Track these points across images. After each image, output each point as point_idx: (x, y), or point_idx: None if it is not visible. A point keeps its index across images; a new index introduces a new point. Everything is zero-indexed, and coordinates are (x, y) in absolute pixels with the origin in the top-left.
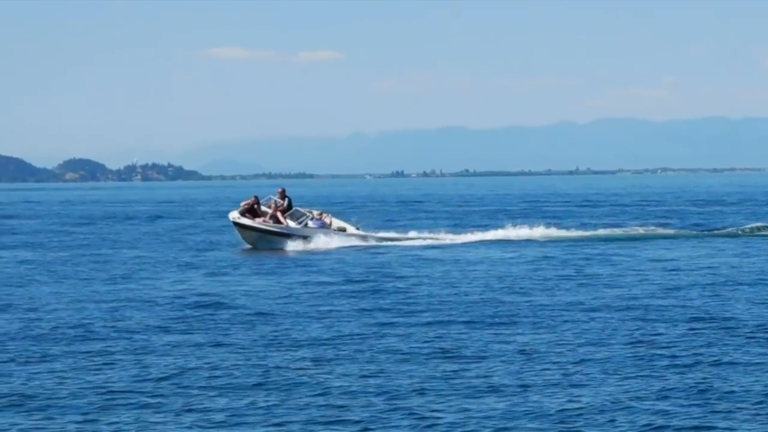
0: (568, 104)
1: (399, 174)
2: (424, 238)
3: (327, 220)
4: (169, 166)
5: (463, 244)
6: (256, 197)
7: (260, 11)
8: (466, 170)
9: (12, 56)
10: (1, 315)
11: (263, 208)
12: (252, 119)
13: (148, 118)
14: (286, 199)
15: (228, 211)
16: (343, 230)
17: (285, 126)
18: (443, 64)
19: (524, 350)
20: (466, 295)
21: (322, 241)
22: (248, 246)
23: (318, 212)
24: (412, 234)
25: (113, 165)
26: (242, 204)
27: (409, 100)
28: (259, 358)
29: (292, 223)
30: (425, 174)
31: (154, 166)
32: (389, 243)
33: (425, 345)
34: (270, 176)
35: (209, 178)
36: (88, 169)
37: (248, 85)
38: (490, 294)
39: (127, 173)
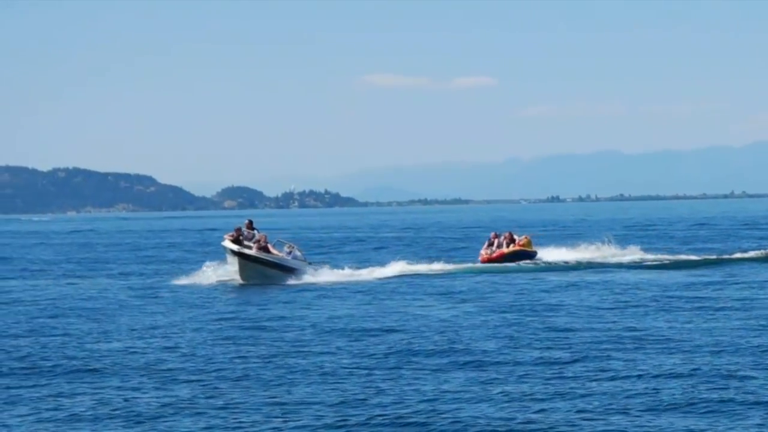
0: (723, 127)
1: (554, 199)
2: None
3: (298, 253)
4: (326, 192)
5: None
6: (239, 228)
7: (414, 38)
8: (621, 195)
9: (174, 89)
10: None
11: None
12: (407, 146)
13: (304, 145)
14: (256, 231)
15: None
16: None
17: (440, 152)
18: (596, 90)
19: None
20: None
21: (320, 275)
22: (237, 278)
23: (289, 245)
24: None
25: (271, 192)
26: (227, 235)
27: (562, 126)
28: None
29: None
30: (580, 198)
31: (312, 193)
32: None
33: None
34: (426, 202)
35: (366, 204)
36: (246, 197)
37: (403, 112)
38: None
39: (284, 200)
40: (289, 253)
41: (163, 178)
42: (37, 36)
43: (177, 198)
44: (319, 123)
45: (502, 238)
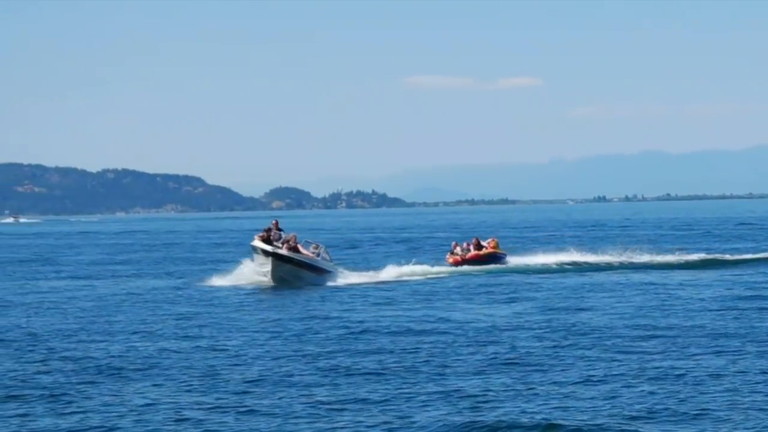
0: None
1: (601, 199)
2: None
3: (324, 253)
4: (373, 193)
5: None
6: (269, 229)
7: (460, 39)
8: (668, 194)
9: (224, 91)
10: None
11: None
12: (453, 146)
13: (351, 146)
14: (282, 231)
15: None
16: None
17: (485, 152)
18: (641, 90)
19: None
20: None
21: (348, 276)
22: (265, 280)
23: (315, 245)
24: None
25: (318, 193)
26: (257, 235)
27: (607, 126)
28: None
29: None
30: (627, 198)
31: (359, 193)
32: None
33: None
34: (473, 202)
35: (412, 204)
36: (294, 197)
37: (449, 113)
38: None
39: (332, 201)
40: (317, 253)
41: (212, 179)
42: (87, 36)
43: (225, 198)
44: (366, 124)
45: (465, 244)
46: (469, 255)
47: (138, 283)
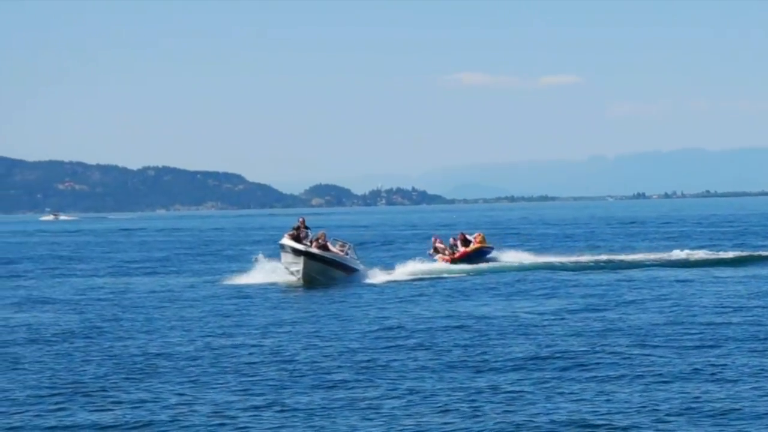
0: None
1: (640, 195)
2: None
3: (351, 252)
4: (413, 190)
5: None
6: (299, 227)
7: (502, 37)
8: (707, 191)
9: (264, 88)
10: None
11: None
12: (494, 143)
13: (392, 143)
14: (309, 230)
15: None
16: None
17: (526, 150)
18: (680, 87)
19: None
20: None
21: (376, 275)
22: (295, 278)
23: (341, 243)
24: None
25: (358, 190)
26: (287, 234)
27: (647, 123)
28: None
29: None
30: (666, 195)
31: (399, 190)
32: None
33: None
34: (512, 199)
35: (452, 201)
36: (334, 194)
37: (490, 110)
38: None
39: (372, 198)
40: (345, 251)
41: (252, 176)
42: (121, 33)
43: (265, 196)
44: (407, 121)
45: (452, 240)
46: (458, 254)
47: (173, 281)
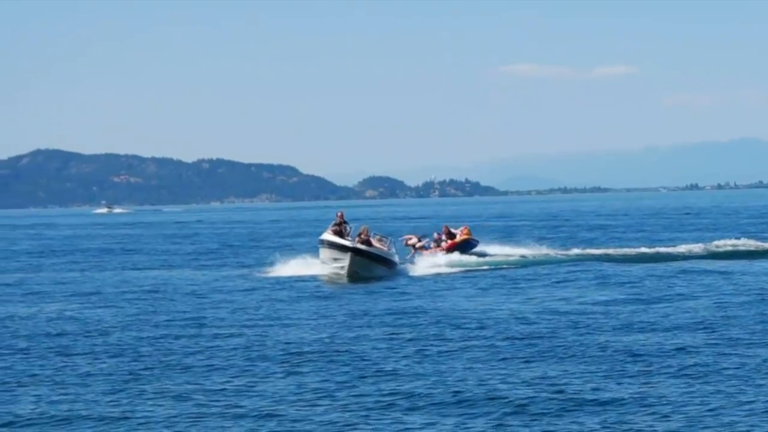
0: None
1: (693, 186)
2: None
3: (391, 246)
4: (467, 182)
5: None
6: (342, 222)
7: (556, 28)
8: (760, 182)
9: (317, 81)
10: None
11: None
12: (547, 135)
13: (445, 135)
14: (347, 224)
15: None
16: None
17: (579, 141)
18: (735, 78)
19: None
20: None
21: (416, 269)
22: (340, 274)
23: (379, 237)
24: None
25: (411, 182)
26: (330, 228)
27: (701, 113)
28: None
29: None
30: (719, 186)
31: (452, 182)
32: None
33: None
34: (565, 191)
35: (505, 193)
36: (387, 186)
37: (543, 101)
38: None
39: (425, 190)
40: (386, 246)
41: (306, 168)
42: (185, 32)
43: (319, 188)
44: (460, 113)
45: (436, 235)
46: (446, 245)
47: (223, 273)
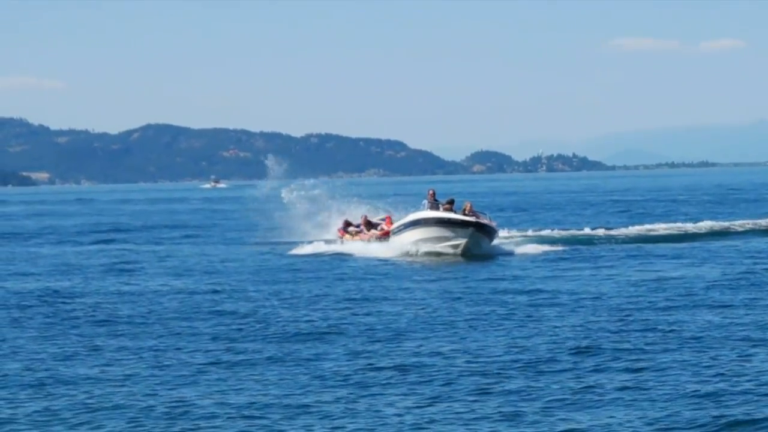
0: None
1: None
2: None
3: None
4: (574, 156)
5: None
6: (452, 200)
7: (665, 1)
8: None
9: (424, 54)
10: None
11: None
12: (654, 109)
13: (553, 110)
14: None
15: None
16: None
17: (687, 115)
18: None
19: None
20: None
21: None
22: (451, 252)
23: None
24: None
25: (519, 157)
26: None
27: None
28: None
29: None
30: None
31: (559, 157)
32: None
33: None
34: (673, 165)
35: (613, 168)
36: (495, 161)
37: (651, 75)
38: None
39: (532, 164)
40: (490, 221)
41: (414, 142)
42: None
43: (427, 162)
44: (568, 87)
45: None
46: (380, 233)
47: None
